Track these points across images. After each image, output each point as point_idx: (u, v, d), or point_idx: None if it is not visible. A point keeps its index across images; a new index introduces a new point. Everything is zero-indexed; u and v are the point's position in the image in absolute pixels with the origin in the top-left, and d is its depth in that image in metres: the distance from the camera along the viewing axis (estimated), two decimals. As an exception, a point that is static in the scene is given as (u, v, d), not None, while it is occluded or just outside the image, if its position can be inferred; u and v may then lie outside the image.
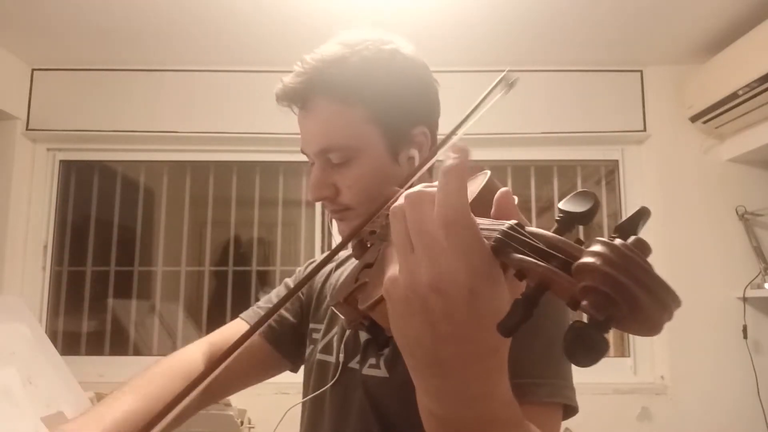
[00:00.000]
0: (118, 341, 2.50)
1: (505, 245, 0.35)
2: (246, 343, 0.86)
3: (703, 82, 2.23)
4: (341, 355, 0.82)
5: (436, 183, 0.40)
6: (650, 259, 0.29)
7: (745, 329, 2.23)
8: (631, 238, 0.30)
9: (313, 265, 1.01)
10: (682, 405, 2.26)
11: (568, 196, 0.37)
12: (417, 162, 0.80)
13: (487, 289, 0.36)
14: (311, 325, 0.92)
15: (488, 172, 0.49)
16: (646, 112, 2.45)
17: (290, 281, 1.00)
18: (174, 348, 2.51)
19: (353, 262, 0.92)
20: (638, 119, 2.45)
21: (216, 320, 2.41)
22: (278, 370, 0.95)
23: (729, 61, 2.09)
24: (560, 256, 0.32)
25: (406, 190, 0.55)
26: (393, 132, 0.78)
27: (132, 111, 2.46)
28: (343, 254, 0.97)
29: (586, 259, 0.29)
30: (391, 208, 0.40)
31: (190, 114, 2.46)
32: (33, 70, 2.46)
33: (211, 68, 2.45)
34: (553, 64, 2.43)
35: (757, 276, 2.26)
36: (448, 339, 0.37)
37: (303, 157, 0.83)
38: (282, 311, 0.95)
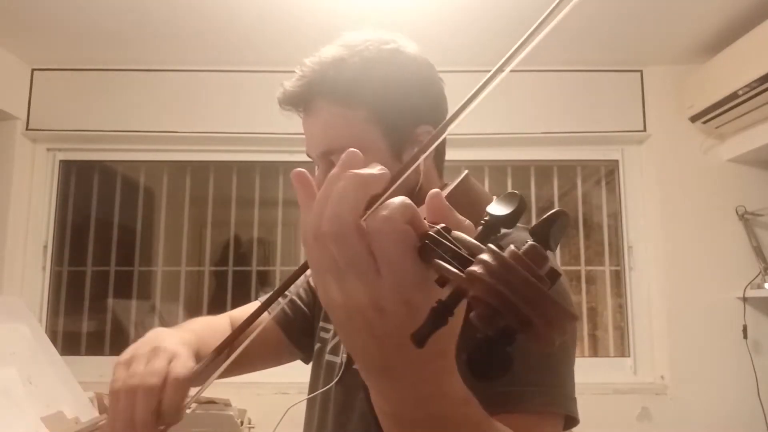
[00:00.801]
0: (118, 341, 2.50)
1: (428, 250, 0.33)
2: (262, 325, 0.88)
3: (703, 82, 2.23)
4: (344, 355, 0.83)
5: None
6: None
7: (745, 329, 2.23)
8: (525, 245, 0.28)
9: None
10: (682, 405, 2.26)
11: (497, 198, 0.35)
12: (422, 162, 0.79)
13: (423, 298, 0.34)
14: (321, 323, 0.93)
15: (465, 171, 0.48)
16: (646, 112, 2.45)
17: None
18: (174, 348, 2.51)
19: None
20: (638, 119, 2.45)
21: (216, 320, 2.41)
22: (290, 358, 0.96)
23: (729, 61, 2.09)
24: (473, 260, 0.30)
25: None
26: (395, 132, 0.77)
27: (132, 111, 2.46)
28: None
29: (473, 268, 0.28)
30: (314, 233, 0.37)
31: (190, 114, 2.46)
32: (33, 70, 2.46)
33: (211, 68, 2.45)
34: (553, 64, 2.43)
35: (757, 276, 2.26)
36: (394, 348, 0.37)
37: (303, 157, 0.83)
38: (296, 300, 0.96)
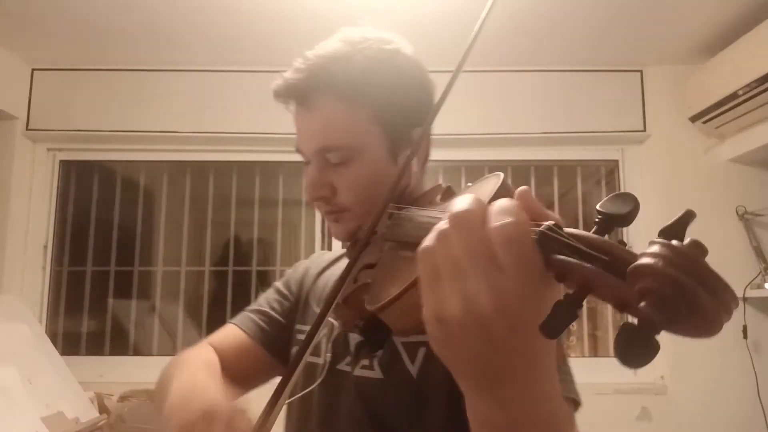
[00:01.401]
0: (118, 341, 2.50)
1: (544, 247, 0.34)
2: (242, 348, 0.86)
3: (703, 82, 2.23)
4: (328, 355, 0.81)
5: (462, 201, 0.39)
6: None
7: (745, 329, 2.23)
8: (687, 240, 0.30)
9: (305, 265, 1.01)
10: (682, 405, 2.26)
11: (606, 198, 0.36)
12: (414, 163, 0.79)
13: (544, 294, 0.35)
14: (297, 326, 0.91)
15: (501, 174, 0.49)
16: (646, 112, 2.45)
17: (279, 284, 0.99)
18: (174, 348, 2.51)
19: (342, 265, 0.92)
20: (638, 119, 2.45)
21: (216, 320, 2.41)
22: (270, 374, 0.94)
23: (729, 61, 2.09)
24: (603, 257, 0.31)
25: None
26: (394, 133, 0.77)
27: (132, 111, 2.46)
28: (330, 256, 0.98)
29: (645, 261, 0.29)
30: (437, 228, 0.38)
31: (190, 114, 2.46)
32: (33, 70, 2.46)
33: (211, 68, 2.45)
34: (553, 64, 2.43)
35: (757, 276, 2.26)
36: (513, 351, 0.37)
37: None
38: (271, 312, 0.94)
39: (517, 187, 0.41)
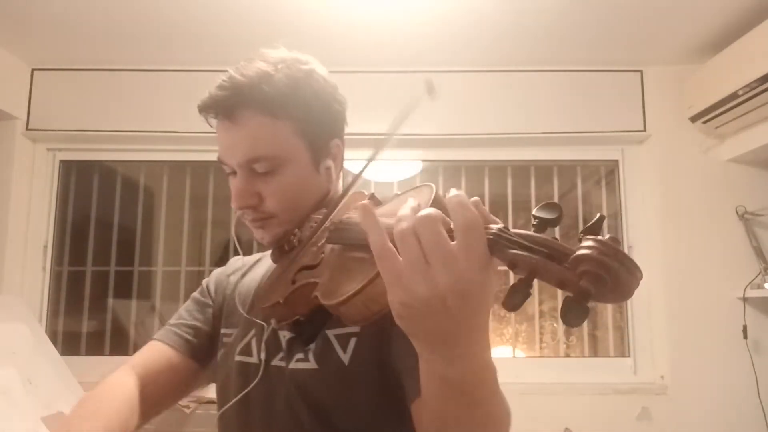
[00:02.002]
0: (118, 341, 2.50)
1: (498, 243, 0.44)
2: (170, 363, 0.92)
3: (703, 82, 2.23)
4: (263, 354, 0.84)
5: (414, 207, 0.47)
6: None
7: (745, 329, 2.23)
8: (607, 236, 0.41)
9: (221, 271, 1.07)
10: (682, 405, 2.26)
11: (538, 206, 0.46)
12: (333, 172, 0.89)
13: (489, 278, 0.44)
14: (222, 330, 0.94)
15: (432, 185, 0.59)
16: (646, 112, 2.45)
17: (197, 294, 1.03)
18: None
19: (262, 268, 0.99)
20: (638, 119, 2.45)
21: (216, 320, 2.41)
22: (199, 383, 0.98)
23: (729, 61, 2.09)
24: (544, 249, 0.42)
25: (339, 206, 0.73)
26: (315, 144, 0.85)
27: (132, 111, 2.46)
28: (246, 261, 1.04)
29: (584, 252, 0.40)
30: (399, 230, 0.46)
31: (190, 114, 2.41)
32: (33, 70, 2.46)
33: (211, 68, 2.44)
34: (553, 64, 2.43)
35: (757, 276, 2.26)
36: (462, 320, 0.45)
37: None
38: (195, 322, 0.97)
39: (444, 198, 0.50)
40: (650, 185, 2.44)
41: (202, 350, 0.95)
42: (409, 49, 2.28)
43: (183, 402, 1.80)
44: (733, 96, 2.04)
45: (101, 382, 0.89)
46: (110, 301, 2.54)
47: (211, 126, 0.87)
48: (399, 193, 0.71)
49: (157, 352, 0.94)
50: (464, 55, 2.34)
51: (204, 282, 1.05)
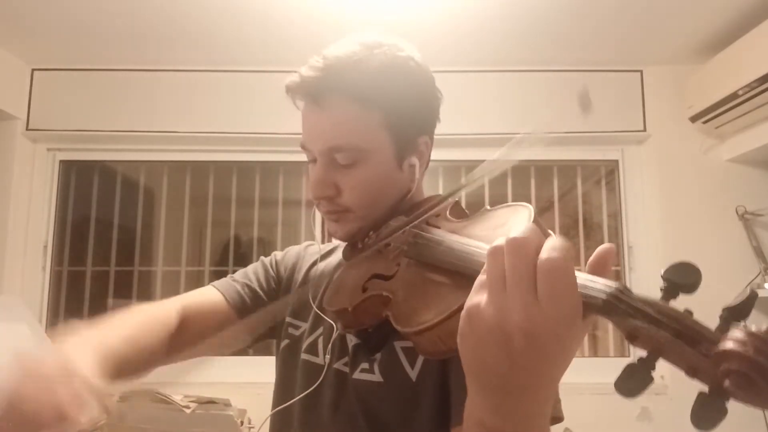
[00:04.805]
0: (118, 341, 2.50)
1: (616, 308, 0.37)
2: (217, 313, 0.90)
3: (703, 82, 2.23)
4: (327, 356, 0.82)
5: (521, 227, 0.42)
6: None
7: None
8: (765, 327, 0.33)
9: (296, 252, 1.02)
10: (682, 405, 2.23)
11: (670, 265, 0.39)
12: (417, 170, 0.82)
13: (570, 335, 0.39)
14: (288, 319, 0.92)
15: (529, 207, 0.54)
16: (646, 112, 2.44)
17: (267, 263, 1.00)
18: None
19: (335, 261, 0.93)
20: (638, 119, 2.44)
21: (216, 320, 2.41)
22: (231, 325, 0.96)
23: (729, 61, 2.09)
24: (674, 325, 0.35)
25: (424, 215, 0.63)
26: (402, 139, 0.79)
27: (132, 111, 2.45)
28: (322, 248, 0.99)
29: (734, 348, 0.33)
30: (492, 247, 0.42)
31: (190, 114, 2.45)
32: (33, 70, 2.46)
33: (210, 68, 2.45)
34: (553, 64, 2.43)
35: (757, 276, 2.25)
36: (523, 370, 0.40)
37: (303, 157, 0.83)
38: (257, 289, 0.96)
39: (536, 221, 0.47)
40: (650, 185, 2.44)
41: (249, 311, 0.93)
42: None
43: (183, 402, 1.80)
44: (733, 96, 2.04)
45: (151, 305, 0.89)
46: (110, 301, 2.53)
47: (297, 108, 0.80)
48: (489, 208, 0.67)
49: (211, 300, 0.93)
50: (464, 55, 2.34)
51: (277, 255, 1.02)
